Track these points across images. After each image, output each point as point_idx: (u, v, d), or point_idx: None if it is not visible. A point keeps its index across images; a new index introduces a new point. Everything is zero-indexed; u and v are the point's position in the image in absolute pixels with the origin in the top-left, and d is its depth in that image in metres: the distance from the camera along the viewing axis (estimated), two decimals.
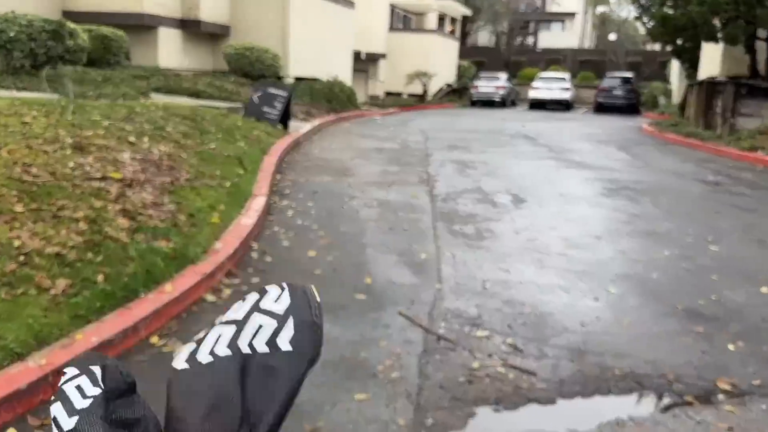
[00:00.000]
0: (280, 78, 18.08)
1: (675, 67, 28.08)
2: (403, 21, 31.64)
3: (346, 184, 7.99)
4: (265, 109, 11.10)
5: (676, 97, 27.05)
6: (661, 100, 28.41)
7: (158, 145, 6.52)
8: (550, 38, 44.28)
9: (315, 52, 19.48)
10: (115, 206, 4.41)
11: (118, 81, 12.04)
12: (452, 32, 34.01)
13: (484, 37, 44.83)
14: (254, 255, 4.79)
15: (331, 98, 17.43)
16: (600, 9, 45.98)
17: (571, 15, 45.04)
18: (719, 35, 13.30)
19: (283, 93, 11.14)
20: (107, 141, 5.99)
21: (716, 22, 13.40)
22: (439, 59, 30.12)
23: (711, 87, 14.09)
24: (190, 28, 17.31)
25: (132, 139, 6.35)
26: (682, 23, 19.24)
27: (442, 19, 32.54)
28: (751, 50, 13.60)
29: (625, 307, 4.20)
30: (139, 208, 4.51)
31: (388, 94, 29.97)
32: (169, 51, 17.02)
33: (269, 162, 8.20)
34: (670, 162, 11.47)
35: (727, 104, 12.98)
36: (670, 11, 19.60)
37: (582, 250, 5.45)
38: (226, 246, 4.51)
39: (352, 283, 4.34)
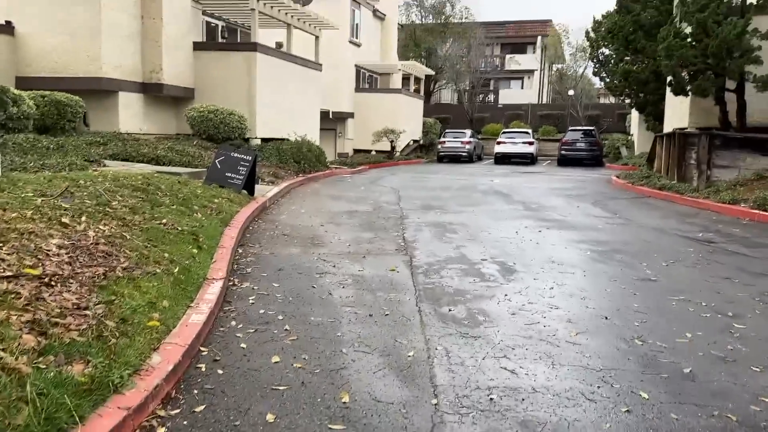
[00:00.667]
0: (247, 140, 17.26)
1: (635, 118, 28.18)
2: (369, 81, 31.39)
3: (316, 256, 7.02)
4: (229, 174, 10.16)
5: (639, 148, 27.01)
6: (624, 151, 28.36)
7: (98, 224, 5.50)
8: (511, 94, 44.73)
9: (282, 112, 18.77)
10: (23, 316, 3.36)
11: (71, 149, 11.02)
12: (417, 91, 33.90)
13: (447, 94, 45.08)
14: (202, 367, 3.75)
15: (300, 158, 16.60)
16: (556, 66, 46.79)
17: (530, 72, 45.70)
18: (688, 88, 12.94)
19: (246, 157, 10.24)
20: (34, 224, 4.96)
21: (684, 74, 13.07)
22: (405, 117, 29.79)
23: (683, 138, 13.67)
24: (152, 91, 16.46)
25: (66, 219, 5.32)
26: (644, 77, 19.14)
27: (406, 78, 32.42)
28: (721, 102, 13.27)
29: (668, 420, 3.27)
30: (55, 317, 3.47)
31: (357, 151, 29.40)
32: (130, 115, 16.08)
33: (230, 235, 7.21)
34: (652, 218, 10.81)
35: (701, 156, 12.52)
36: (632, 66, 19.52)
37: (593, 336, 4.54)
38: (165, 360, 3.48)
39: (325, 404, 3.34)
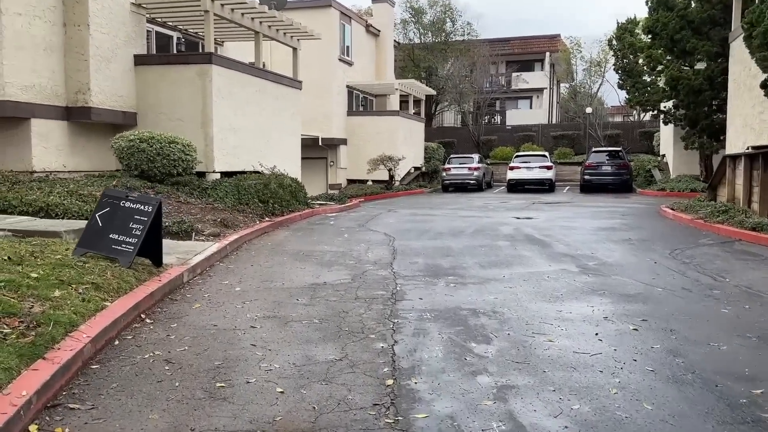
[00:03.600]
0: (201, 175, 13.45)
1: (667, 136, 24.33)
2: (363, 103, 27.77)
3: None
4: (115, 236, 6.29)
5: (675, 171, 23.11)
6: (657, 174, 24.46)
7: None
8: (519, 115, 41.09)
9: (250, 139, 14.99)
10: None
11: None
12: (417, 113, 30.22)
13: (449, 117, 41.49)
14: None
15: (268, 198, 12.76)
16: (566, 84, 43.22)
17: (539, 90, 42.10)
18: None
19: (145, 207, 6.36)
20: None
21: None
22: (404, 142, 26.06)
23: None
24: (79, 117, 12.72)
25: None
26: (697, 84, 15.32)
27: (405, 101, 28.79)
28: None
29: None
30: None
31: (352, 181, 25.66)
32: (49, 149, 12.31)
33: (34, 380, 3.32)
34: None
35: None
36: (684, 68, 15.70)
37: None
38: None
39: None
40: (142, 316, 5.39)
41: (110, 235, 6.27)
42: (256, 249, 9.27)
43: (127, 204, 6.41)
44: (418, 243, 9.99)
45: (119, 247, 6.23)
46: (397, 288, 6.65)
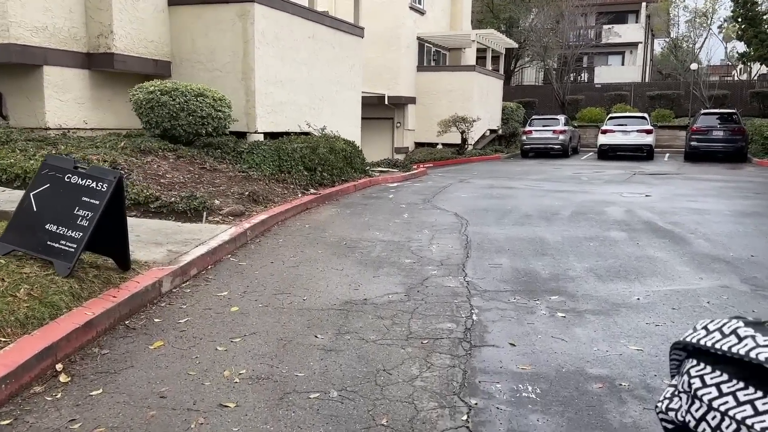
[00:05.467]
0: (242, 136, 11.40)
1: None
2: (435, 58, 24.98)
3: None
4: (53, 226, 4.22)
5: None
6: None
7: None
8: (609, 72, 36.94)
9: (299, 95, 12.77)
10: None
11: None
12: (495, 70, 27.11)
13: (530, 74, 37.86)
14: None
15: (315, 165, 10.55)
16: (663, 39, 38.50)
17: (633, 45, 37.64)
18: None
19: (99, 185, 4.24)
20: None
21: None
22: (480, 101, 23.20)
23: None
24: (101, 65, 10.85)
25: None
26: None
27: (482, 57, 25.71)
28: None
29: None
30: None
31: (420, 145, 23.18)
32: (66, 102, 10.53)
33: None
34: None
35: None
36: None
37: None
38: None
39: None
40: (57, 368, 3.30)
41: (47, 226, 4.21)
42: (287, 234, 7.09)
43: (75, 179, 4.31)
44: (500, 230, 7.52)
45: (57, 245, 4.15)
46: (473, 318, 4.28)
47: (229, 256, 5.94)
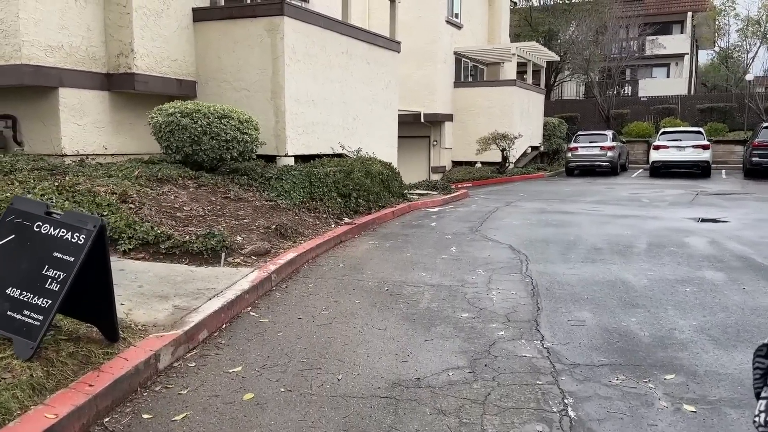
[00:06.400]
0: (271, 159, 10.51)
1: None
2: (473, 73, 23.93)
3: None
4: (15, 291, 3.23)
5: None
6: None
7: None
8: (653, 85, 35.29)
9: (332, 115, 11.84)
10: None
11: None
12: (536, 84, 25.90)
13: (570, 88, 36.45)
14: None
15: (349, 191, 9.54)
16: (707, 50, 36.71)
17: (678, 57, 35.92)
18: None
19: (74, 236, 3.26)
20: None
21: None
22: (521, 117, 22.01)
23: None
24: (121, 86, 10.10)
25: None
26: None
27: (521, 72, 24.55)
28: None
29: None
30: None
31: (457, 163, 22.14)
32: (84, 126, 9.79)
33: None
34: None
35: None
36: None
37: None
38: None
39: None
40: None
41: (8, 290, 3.24)
42: (318, 277, 6.04)
43: (46, 229, 3.34)
44: (568, 270, 6.34)
45: (19, 316, 3.17)
46: (570, 414, 3.12)
47: (249, 309, 4.91)
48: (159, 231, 5.86)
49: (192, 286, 4.93)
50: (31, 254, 3.28)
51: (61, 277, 3.20)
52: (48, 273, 3.22)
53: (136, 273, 5.11)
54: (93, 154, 9.98)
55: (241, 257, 5.96)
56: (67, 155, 9.55)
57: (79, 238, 3.26)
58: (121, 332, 3.70)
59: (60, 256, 3.24)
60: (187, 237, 5.89)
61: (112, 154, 10.36)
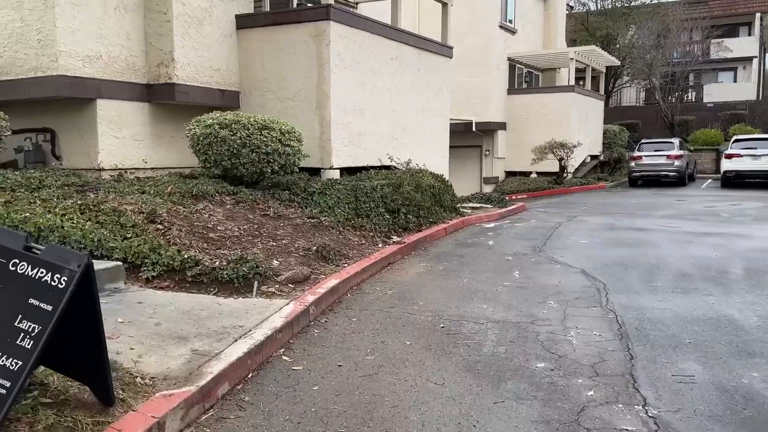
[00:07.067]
0: (315, 172, 9.85)
1: None
2: (527, 79, 22.87)
3: None
4: None
5: None
6: None
7: None
8: (719, 90, 33.25)
9: (380, 124, 11.11)
10: None
11: None
12: (596, 90, 24.60)
13: (628, 95, 34.76)
14: None
15: (398, 206, 8.76)
16: None
17: (747, 60, 33.78)
18: None
19: (54, 278, 2.57)
20: None
21: None
22: (579, 125, 20.81)
23: None
24: (161, 97, 9.64)
25: None
26: None
27: (578, 78, 23.30)
28: None
29: None
30: None
31: (511, 173, 21.11)
32: (123, 139, 9.36)
33: None
34: None
35: None
36: None
37: None
38: None
39: None
40: None
41: None
42: (363, 308, 5.26)
43: (23, 268, 2.66)
44: (659, 303, 5.35)
45: None
46: None
47: (282, 351, 4.17)
48: (186, 256, 5.20)
49: (217, 323, 4.23)
50: (5, 300, 2.61)
51: (36, 331, 2.51)
52: (21, 325, 2.54)
53: (155, 307, 4.45)
54: (132, 168, 9.55)
55: (277, 285, 5.24)
56: (104, 169, 9.12)
57: (59, 281, 2.57)
58: (120, 391, 3.01)
59: (36, 303, 2.56)
60: (218, 262, 5.22)
61: (152, 168, 9.91)
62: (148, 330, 4.01)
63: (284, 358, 4.07)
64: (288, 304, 4.80)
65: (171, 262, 5.10)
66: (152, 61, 9.61)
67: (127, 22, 9.26)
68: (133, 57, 9.41)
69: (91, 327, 2.71)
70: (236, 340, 3.95)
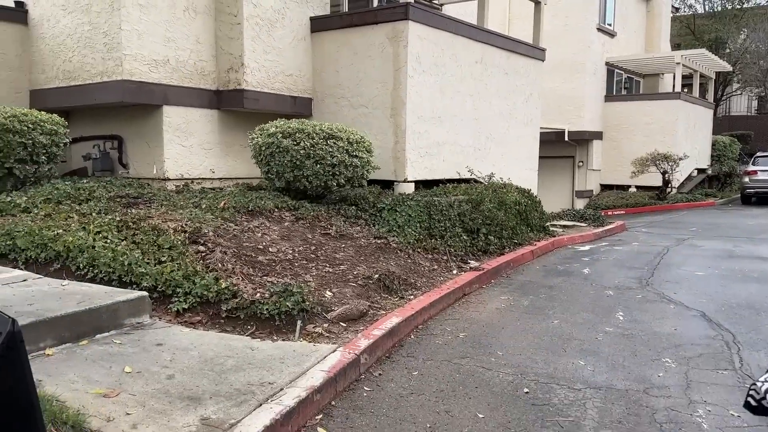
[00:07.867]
0: (388, 185, 9.01)
1: None
2: (626, 85, 21.05)
3: None
4: None
5: None
6: None
7: None
8: None
9: (461, 134, 10.10)
10: None
11: None
12: (704, 97, 22.33)
13: (738, 103, 31.63)
14: None
15: (478, 225, 7.72)
16: None
17: None
18: None
19: None
20: None
21: None
22: (685, 135, 18.80)
23: None
24: (230, 104, 9.14)
25: None
26: None
27: (685, 85, 21.17)
28: None
29: None
30: None
31: (606, 187, 19.42)
32: (190, 147, 8.92)
33: None
34: None
35: None
36: None
37: None
38: None
39: None
40: None
41: None
42: (428, 358, 4.29)
43: None
44: None
45: None
46: None
47: (318, 418, 3.28)
48: (224, 285, 4.46)
49: (242, 377, 3.41)
50: None
51: None
52: None
53: (174, 351, 3.70)
54: (199, 179, 9.09)
55: (326, 324, 4.38)
56: (169, 179, 8.70)
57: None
58: None
59: None
60: (259, 294, 4.43)
61: (220, 179, 9.43)
62: (157, 385, 3.25)
63: (320, 430, 3.18)
64: (334, 351, 3.92)
65: (205, 293, 4.37)
66: (222, 66, 9.13)
67: (197, 25, 8.83)
68: (202, 62, 8.96)
69: (15, 413, 1.93)
70: (260, 404, 3.11)
